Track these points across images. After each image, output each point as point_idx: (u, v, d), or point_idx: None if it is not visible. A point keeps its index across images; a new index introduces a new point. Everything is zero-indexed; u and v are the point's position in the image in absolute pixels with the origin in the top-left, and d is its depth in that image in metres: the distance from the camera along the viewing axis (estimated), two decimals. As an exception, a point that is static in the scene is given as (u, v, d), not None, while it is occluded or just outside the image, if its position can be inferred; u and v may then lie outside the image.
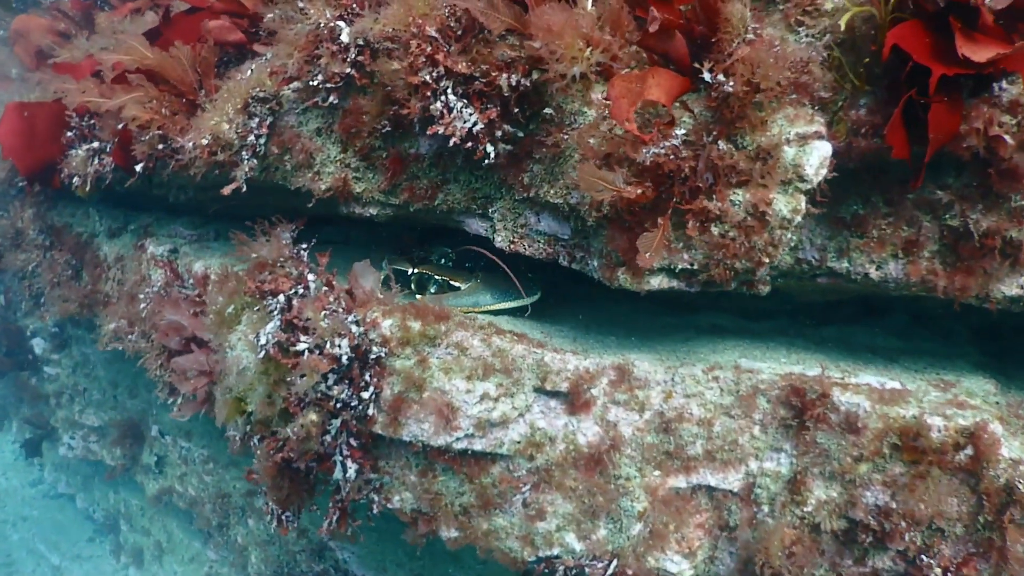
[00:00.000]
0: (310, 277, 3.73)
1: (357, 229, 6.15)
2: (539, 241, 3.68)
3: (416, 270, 4.38)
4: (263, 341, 3.58)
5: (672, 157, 2.94)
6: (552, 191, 3.43)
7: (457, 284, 4.18)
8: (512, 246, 3.73)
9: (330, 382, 3.40)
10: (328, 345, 3.35)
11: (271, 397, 3.65)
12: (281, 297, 3.64)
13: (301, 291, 3.70)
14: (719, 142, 3.05)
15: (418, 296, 4.15)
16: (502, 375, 3.50)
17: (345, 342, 3.36)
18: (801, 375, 3.50)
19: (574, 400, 3.50)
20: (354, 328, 3.44)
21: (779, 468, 3.45)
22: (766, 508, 3.46)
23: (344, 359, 3.36)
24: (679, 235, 3.16)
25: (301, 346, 3.43)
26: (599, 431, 3.52)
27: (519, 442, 3.52)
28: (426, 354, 3.53)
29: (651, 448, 3.52)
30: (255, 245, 3.89)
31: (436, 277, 4.30)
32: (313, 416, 3.37)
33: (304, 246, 3.87)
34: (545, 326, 4.07)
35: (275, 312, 3.64)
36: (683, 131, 3.02)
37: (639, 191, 2.91)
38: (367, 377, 3.46)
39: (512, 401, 3.50)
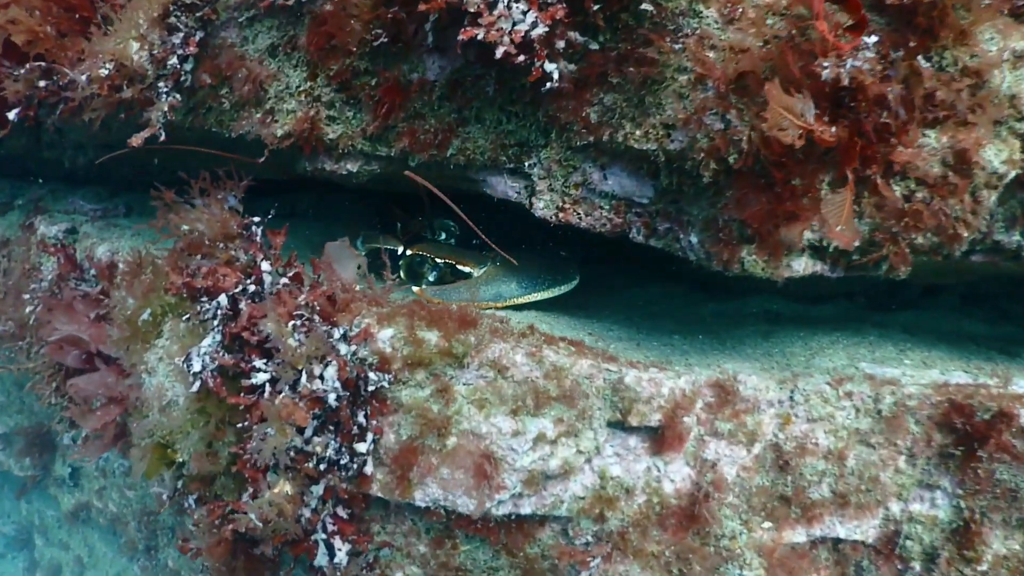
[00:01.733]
0: (264, 267, 2.28)
1: (304, 198, 4.60)
2: (603, 207, 2.30)
3: (408, 251, 2.90)
4: (197, 367, 2.13)
5: (874, 78, 1.65)
6: (638, 132, 2.06)
7: (466, 269, 2.77)
8: (561, 214, 2.34)
9: (308, 433, 1.99)
10: (305, 377, 1.94)
11: (212, 447, 2.22)
12: (223, 298, 2.18)
13: (252, 288, 2.25)
14: (917, 58, 1.78)
15: (414, 288, 2.71)
16: (561, 405, 2.17)
17: (331, 371, 1.95)
18: (958, 387, 2.34)
19: (665, 435, 2.22)
20: (342, 348, 2.02)
21: (934, 512, 2.29)
22: (918, 566, 2.30)
23: (332, 399, 1.95)
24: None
25: (259, 377, 2.00)
26: (691, 474, 2.27)
27: (583, 498, 2.23)
28: (449, 380, 2.15)
29: (761, 493, 2.29)
30: (187, 214, 2.40)
31: (436, 261, 2.85)
32: (287, 488, 1.95)
33: (256, 219, 2.40)
34: (587, 323, 2.75)
35: (214, 320, 2.19)
36: (875, 39, 1.73)
37: (832, 129, 1.61)
38: (361, 419, 2.07)
39: (576, 442, 2.18)
